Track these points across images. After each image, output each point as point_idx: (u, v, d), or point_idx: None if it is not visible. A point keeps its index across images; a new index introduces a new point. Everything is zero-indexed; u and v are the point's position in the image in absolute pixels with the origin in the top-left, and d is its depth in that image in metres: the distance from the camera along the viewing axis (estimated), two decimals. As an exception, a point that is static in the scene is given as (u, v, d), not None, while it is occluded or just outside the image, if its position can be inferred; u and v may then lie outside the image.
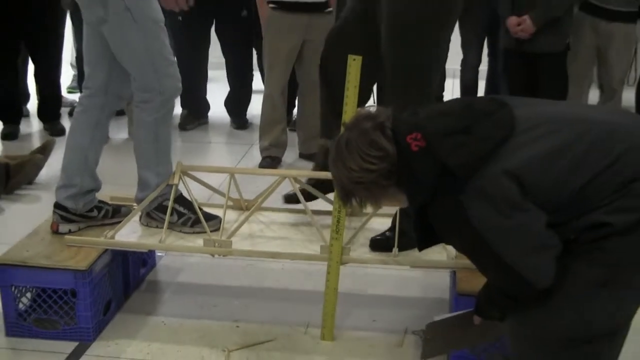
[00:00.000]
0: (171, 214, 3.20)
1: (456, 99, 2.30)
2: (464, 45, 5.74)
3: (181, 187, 3.27)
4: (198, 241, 3.17)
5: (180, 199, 3.28)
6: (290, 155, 5.28)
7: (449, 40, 3.22)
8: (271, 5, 4.97)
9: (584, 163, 2.01)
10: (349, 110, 2.84)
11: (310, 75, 4.83)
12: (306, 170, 3.28)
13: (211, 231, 3.17)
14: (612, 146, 2.02)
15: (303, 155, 5.37)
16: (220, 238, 3.12)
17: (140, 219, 3.33)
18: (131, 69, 3.17)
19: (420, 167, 2.03)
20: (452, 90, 6.53)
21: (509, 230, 2.01)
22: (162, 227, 3.18)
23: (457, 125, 2.05)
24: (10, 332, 3.08)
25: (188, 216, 3.26)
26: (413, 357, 2.97)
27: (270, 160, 5.18)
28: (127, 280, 3.41)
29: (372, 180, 2.09)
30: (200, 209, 3.26)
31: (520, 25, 4.60)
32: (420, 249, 2.34)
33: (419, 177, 2.04)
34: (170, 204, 3.20)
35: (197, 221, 3.23)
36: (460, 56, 5.93)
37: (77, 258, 3.03)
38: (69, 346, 3.01)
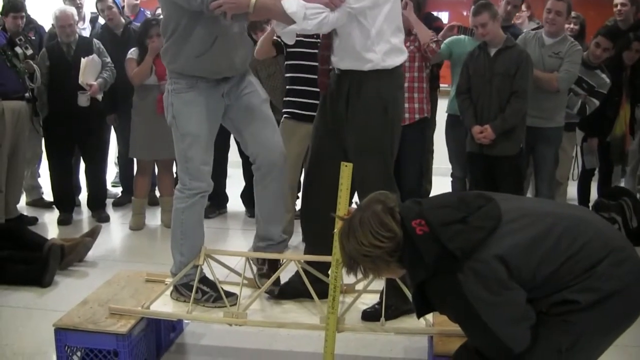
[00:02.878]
0: (196, 292, 3.19)
1: (449, 193, 2.31)
2: (451, 161, 5.60)
3: (205, 267, 3.27)
4: (219, 313, 3.15)
5: (204, 280, 3.26)
6: (296, 239, 5.26)
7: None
8: (285, 115, 5.02)
9: (555, 252, 2.05)
10: (342, 208, 2.75)
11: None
12: (307, 255, 3.29)
13: (230, 305, 3.15)
14: (576, 238, 2.06)
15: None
16: (237, 310, 3.11)
17: (171, 294, 3.32)
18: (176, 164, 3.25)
19: (425, 248, 2.05)
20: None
21: (497, 304, 2.02)
22: (189, 302, 3.16)
23: (456, 216, 2.08)
24: (63, 384, 3.07)
25: (210, 294, 3.23)
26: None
27: (279, 245, 5.14)
28: (159, 343, 3.39)
29: (378, 255, 2.10)
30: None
31: (483, 133, 4.65)
32: (419, 317, 2.34)
33: (423, 257, 2.05)
34: (195, 284, 3.20)
35: (218, 297, 3.20)
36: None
37: (119, 324, 3.03)
38: (111, 398, 2.99)
